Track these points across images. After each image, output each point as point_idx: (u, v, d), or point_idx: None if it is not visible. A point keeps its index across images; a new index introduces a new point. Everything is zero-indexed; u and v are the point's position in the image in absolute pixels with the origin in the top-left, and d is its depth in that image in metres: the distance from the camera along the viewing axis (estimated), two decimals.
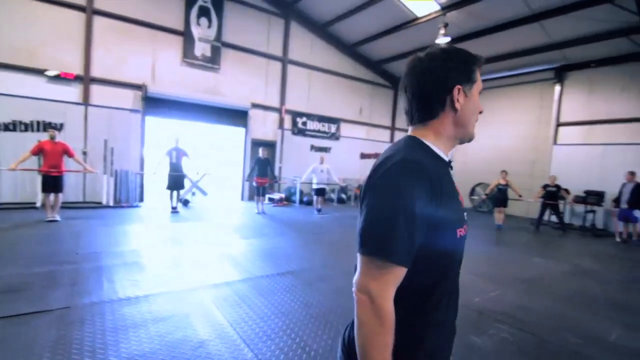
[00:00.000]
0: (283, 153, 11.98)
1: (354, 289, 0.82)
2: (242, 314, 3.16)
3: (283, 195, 11.05)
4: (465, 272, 5.21)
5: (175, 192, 8.28)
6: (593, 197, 9.49)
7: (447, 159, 0.96)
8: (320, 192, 9.46)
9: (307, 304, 3.47)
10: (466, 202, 12.78)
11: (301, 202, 11.13)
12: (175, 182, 8.26)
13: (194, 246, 5.37)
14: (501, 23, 9.61)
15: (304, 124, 12.41)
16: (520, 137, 11.99)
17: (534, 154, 11.63)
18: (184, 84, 9.75)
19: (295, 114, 12.19)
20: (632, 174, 8.34)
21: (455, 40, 10.28)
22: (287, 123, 12.09)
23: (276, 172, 11.30)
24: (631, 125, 9.37)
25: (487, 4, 8.98)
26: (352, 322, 0.98)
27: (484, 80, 10.86)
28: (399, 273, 0.80)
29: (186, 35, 9.64)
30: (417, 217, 0.79)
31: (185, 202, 9.35)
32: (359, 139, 14.06)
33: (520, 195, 9.19)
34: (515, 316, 3.55)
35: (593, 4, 7.99)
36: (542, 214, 9.48)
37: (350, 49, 13.11)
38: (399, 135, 15.59)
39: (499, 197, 9.09)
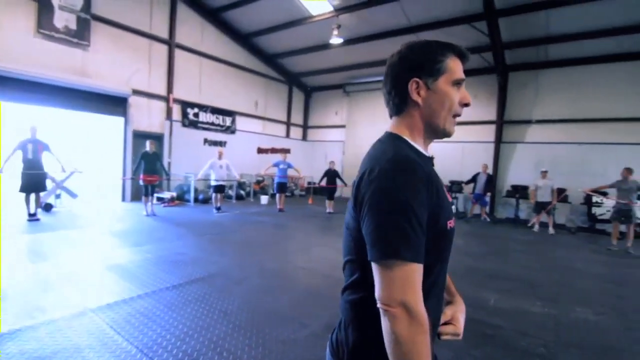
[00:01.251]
0: (172, 147, 10.85)
1: (382, 305, 0.76)
2: (153, 335, 2.72)
3: (174, 194, 10.03)
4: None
5: (33, 195, 6.67)
6: (456, 186, 11.36)
7: (428, 155, 0.96)
8: (219, 189, 8.90)
9: (227, 313, 3.21)
10: None
11: (196, 200, 10.31)
12: (33, 182, 6.64)
13: (69, 260, 4.41)
14: (386, 31, 10.60)
15: (196, 115, 11.48)
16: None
17: None
18: (40, 61, 7.85)
19: (186, 105, 11.17)
20: (486, 166, 10.28)
21: (348, 42, 10.91)
22: (177, 114, 10.98)
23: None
24: (482, 126, 11.53)
25: (375, 12, 9.78)
26: (342, 326, 0.93)
27: (369, 83, 11.66)
28: (421, 272, 0.77)
29: (41, 0, 7.77)
30: (422, 213, 0.78)
31: (48, 207, 7.61)
32: (255, 134, 13.76)
33: None
34: None
35: (456, 23, 9.49)
36: None
37: (245, 40, 12.65)
38: (294, 131, 15.89)
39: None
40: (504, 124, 11.17)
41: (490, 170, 10.67)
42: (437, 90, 0.91)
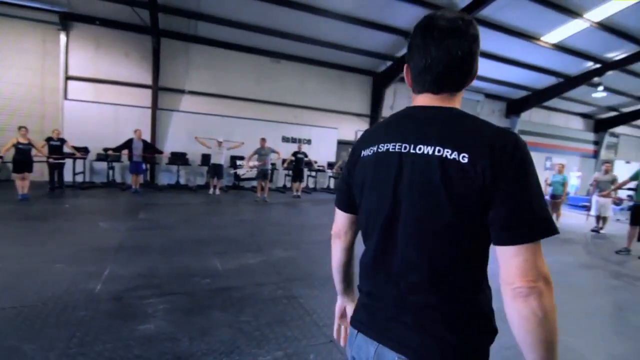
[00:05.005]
0: None
1: (527, 286, 0.71)
2: None
3: None
4: (53, 261, 4.05)
5: None
6: (113, 156, 10.03)
7: None
8: None
9: None
10: None
11: None
12: None
13: None
14: None
15: None
16: (24, 86, 9.83)
17: (42, 107, 10.09)
18: None
19: None
20: (140, 132, 9.57)
21: None
22: None
23: None
24: (137, 90, 10.72)
25: None
26: (435, 343, 0.82)
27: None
28: None
29: None
30: None
31: None
32: None
33: (48, 157, 7.87)
34: (149, 284, 3.44)
35: None
36: (52, 172, 8.73)
37: None
38: None
39: (20, 159, 7.24)
40: (159, 91, 10.98)
41: (147, 137, 10.28)
42: None
